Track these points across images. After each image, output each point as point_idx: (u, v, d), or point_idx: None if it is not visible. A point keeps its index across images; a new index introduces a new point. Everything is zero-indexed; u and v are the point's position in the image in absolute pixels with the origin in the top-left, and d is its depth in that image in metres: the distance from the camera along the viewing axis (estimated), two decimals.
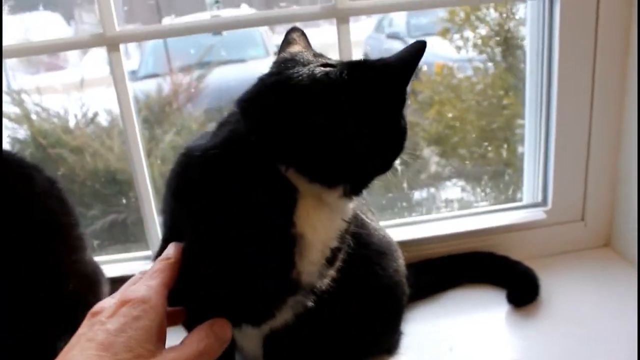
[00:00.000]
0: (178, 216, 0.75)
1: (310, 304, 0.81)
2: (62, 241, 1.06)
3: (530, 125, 1.34)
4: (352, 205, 0.80)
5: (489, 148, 2.48)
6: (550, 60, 1.24)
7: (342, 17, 1.17)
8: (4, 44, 1.07)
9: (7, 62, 4.41)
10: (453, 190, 2.66)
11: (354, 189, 0.74)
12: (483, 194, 2.51)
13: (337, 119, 0.68)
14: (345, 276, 0.90)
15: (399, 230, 1.36)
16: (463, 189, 2.62)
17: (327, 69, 0.71)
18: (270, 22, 1.17)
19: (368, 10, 1.21)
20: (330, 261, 0.78)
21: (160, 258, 0.72)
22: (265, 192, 0.68)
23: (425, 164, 2.72)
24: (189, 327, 0.72)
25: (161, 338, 0.65)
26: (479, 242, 1.32)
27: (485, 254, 1.29)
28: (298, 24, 0.92)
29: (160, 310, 0.65)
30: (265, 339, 0.91)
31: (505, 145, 2.37)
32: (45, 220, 1.04)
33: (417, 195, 2.73)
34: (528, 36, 1.30)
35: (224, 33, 3.34)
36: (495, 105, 2.44)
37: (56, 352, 1.01)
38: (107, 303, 0.68)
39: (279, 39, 0.95)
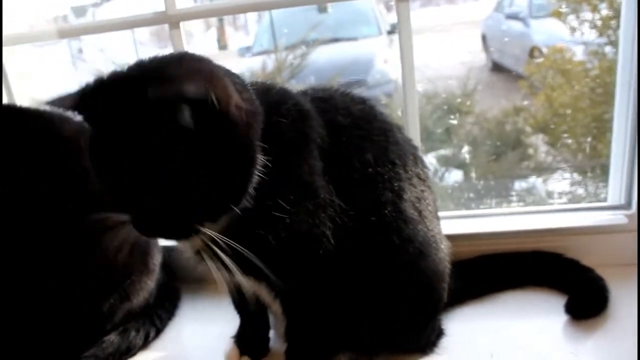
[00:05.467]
0: None
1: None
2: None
3: (620, 115, 1.20)
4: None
5: (601, 139, 2.26)
6: None
7: None
8: (79, 21, 1.13)
9: (137, 37, 4.73)
10: (560, 182, 2.49)
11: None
12: (591, 188, 2.31)
13: None
14: (368, 266, 0.90)
15: (466, 222, 1.29)
16: (572, 183, 2.43)
17: None
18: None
19: None
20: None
21: None
22: None
23: (526, 151, 2.56)
24: None
25: None
26: (548, 243, 1.21)
27: (552, 255, 1.18)
28: None
29: None
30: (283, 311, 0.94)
31: None
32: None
33: (517, 185, 2.58)
34: (622, 25, 1.16)
35: (330, 10, 3.35)
36: (612, 93, 2.21)
37: (101, 313, 1.08)
38: None
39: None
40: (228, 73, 0.81)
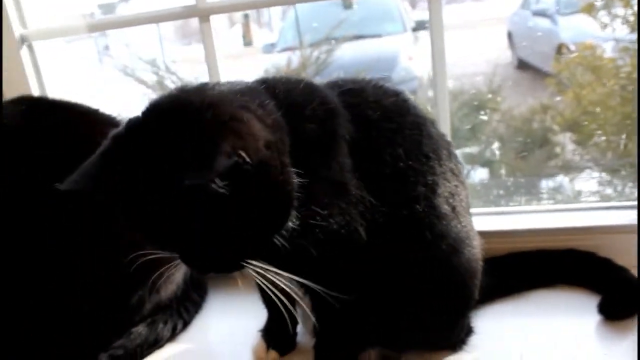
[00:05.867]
0: None
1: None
2: None
3: None
4: None
5: (632, 137, 2.22)
6: None
7: None
8: (103, 16, 1.14)
9: (162, 34, 4.75)
10: (588, 181, 2.45)
11: None
12: (620, 188, 2.27)
13: None
14: (400, 261, 0.89)
15: (496, 219, 1.28)
16: (600, 182, 2.39)
17: None
18: None
19: None
20: None
21: None
22: None
23: (553, 150, 2.52)
24: None
25: None
26: (580, 241, 1.18)
27: (585, 254, 1.16)
28: None
29: None
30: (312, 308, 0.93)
31: None
32: None
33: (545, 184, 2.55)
34: None
35: (355, 6, 3.34)
36: None
37: (130, 305, 1.08)
38: None
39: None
40: (247, 99, 0.77)
